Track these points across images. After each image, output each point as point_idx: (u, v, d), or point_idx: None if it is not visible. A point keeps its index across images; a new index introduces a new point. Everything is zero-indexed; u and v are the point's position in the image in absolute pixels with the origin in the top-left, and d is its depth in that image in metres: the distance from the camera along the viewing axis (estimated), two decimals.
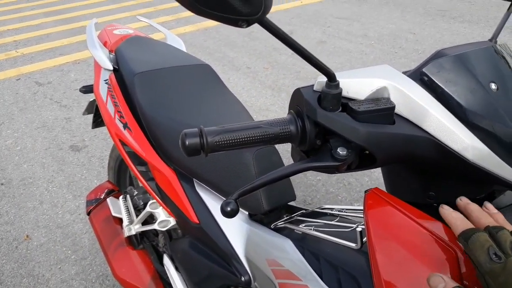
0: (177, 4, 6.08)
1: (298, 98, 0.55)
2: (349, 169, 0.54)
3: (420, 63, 0.57)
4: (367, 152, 0.53)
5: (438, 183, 0.59)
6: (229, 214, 0.50)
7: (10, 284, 1.74)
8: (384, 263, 0.53)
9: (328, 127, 0.51)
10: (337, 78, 0.51)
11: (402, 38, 4.28)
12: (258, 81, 3.49)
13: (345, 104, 0.52)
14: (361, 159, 0.54)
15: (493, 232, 0.47)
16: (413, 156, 0.53)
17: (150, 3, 6.34)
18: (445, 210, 0.53)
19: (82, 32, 5.00)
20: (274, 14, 5.20)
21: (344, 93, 0.52)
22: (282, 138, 0.53)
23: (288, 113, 0.56)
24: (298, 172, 0.52)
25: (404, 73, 0.56)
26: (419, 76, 0.55)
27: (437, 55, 0.56)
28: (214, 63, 3.85)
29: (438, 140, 0.52)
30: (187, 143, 0.50)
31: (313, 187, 2.17)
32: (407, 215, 0.54)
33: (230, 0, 0.40)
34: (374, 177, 2.23)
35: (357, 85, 0.53)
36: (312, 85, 0.54)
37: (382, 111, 0.51)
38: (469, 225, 0.50)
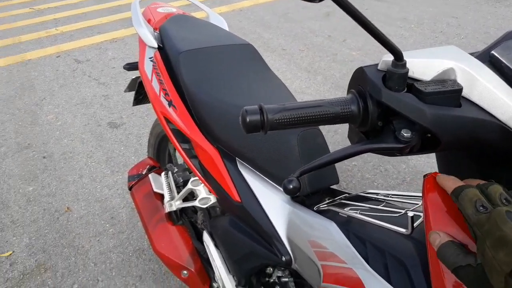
0: None
1: (360, 77, 0.53)
2: (411, 152, 0.53)
3: (488, 45, 0.55)
4: (429, 135, 0.52)
5: (499, 170, 0.57)
6: (292, 191, 0.50)
7: (52, 253, 1.82)
8: None
9: (393, 107, 0.50)
10: (404, 58, 0.49)
11: (443, 22, 4.12)
12: (294, 63, 3.45)
13: (410, 85, 0.51)
14: (423, 142, 0.53)
15: (483, 187, 0.49)
16: (479, 141, 0.51)
17: None
18: (440, 176, 0.55)
19: (119, 11, 5.06)
20: None
21: (410, 74, 0.51)
22: (342, 117, 0.52)
23: (348, 93, 0.55)
24: (359, 153, 0.52)
25: (472, 54, 0.54)
26: (488, 58, 0.53)
27: (508, 36, 0.53)
28: None
29: (507, 126, 0.50)
30: (247, 119, 0.50)
31: (348, 172, 2.15)
32: None
33: None
34: (412, 164, 2.19)
35: (423, 66, 0.51)
36: (376, 64, 0.53)
37: (449, 93, 0.49)
38: (460, 183, 0.52)
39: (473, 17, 4.21)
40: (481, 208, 0.46)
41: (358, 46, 3.64)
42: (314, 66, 3.38)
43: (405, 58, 0.50)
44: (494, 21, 4.06)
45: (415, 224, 0.67)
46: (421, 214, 0.66)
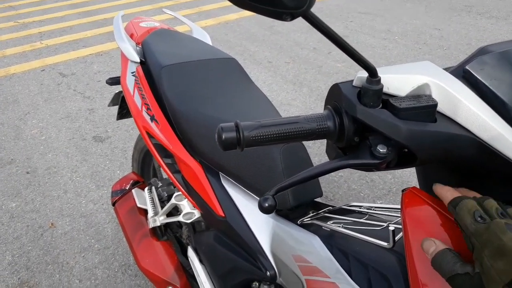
0: None
1: (336, 93, 0.54)
2: (388, 167, 0.53)
3: (462, 60, 0.56)
4: (405, 150, 0.52)
5: (478, 184, 0.57)
6: (267, 210, 0.50)
7: (36, 270, 1.79)
8: (422, 264, 0.52)
9: (368, 123, 0.50)
10: (378, 74, 0.50)
11: (426, 34, 4.20)
12: (280, 76, 3.47)
13: (385, 101, 0.51)
14: (400, 158, 0.53)
15: (479, 200, 0.49)
16: (455, 156, 0.52)
17: None
18: (437, 185, 0.55)
19: (104, 24, 5.06)
20: None
21: (385, 89, 0.51)
22: (319, 134, 0.53)
23: (325, 109, 0.56)
24: (337, 169, 0.52)
25: (446, 69, 0.55)
26: (462, 74, 0.54)
27: (481, 52, 0.54)
28: (235, 57, 3.84)
29: (482, 140, 0.50)
30: (223, 137, 0.50)
31: (335, 183, 2.16)
32: (446, 215, 0.53)
33: None
34: (398, 175, 2.21)
35: (398, 81, 0.52)
36: (351, 81, 0.53)
37: (423, 108, 0.50)
38: (458, 194, 0.52)
39: (455, 29, 4.30)
40: (479, 218, 0.47)
41: (343, 58, 3.68)
42: (300, 78, 3.40)
43: (379, 74, 0.50)
44: (476, 33, 4.14)
45: (396, 238, 0.67)
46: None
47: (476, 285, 0.45)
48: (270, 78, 3.44)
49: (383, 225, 0.73)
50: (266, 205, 0.50)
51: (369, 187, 2.13)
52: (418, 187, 0.63)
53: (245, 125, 0.51)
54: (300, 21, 4.72)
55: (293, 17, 0.42)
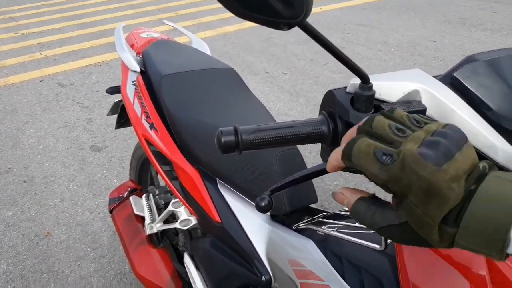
0: (197, 9, 6.16)
1: (330, 99, 0.56)
2: None
3: (450, 67, 0.58)
4: None
5: None
6: (264, 209, 0.51)
7: (31, 279, 1.78)
8: (412, 265, 0.53)
9: None
10: (371, 81, 0.52)
11: (421, 45, 4.25)
12: (277, 86, 3.51)
13: (377, 106, 0.53)
14: None
15: (386, 113, 0.41)
16: None
17: (171, 8, 6.43)
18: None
19: (103, 35, 5.10)
20: None
21: (376, 95, 0.53)
22: (313, 138, 0.54)
23: (319, 114, 0.58)
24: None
25: (435, 77, 0.57)
26: (450, 80, 0.56)
27: (469, 60, 0.57)
28: (234, 68, 3.88)
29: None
30: (222, 140, 0.52)
31: (330, 192, 2.17)
32: None
33: (273, 4, 0.41)
34: None
35: (389, 88, 0.54)
36: (345, 87, 0.55)
37: (413, 113, 0.52)
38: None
39: (450, 40, 4.36)
40: (384, 158, 0.37)
41: (339, 69, 3.72)
42: (297, 89, 3.44)
43: (371, 81, 0.52)
44: (470, 45, 4.20)
45: (388, 241, 0.69)
46: None
47: (407, 232, 0.38)
48: (267, 89, 3.47)
49: None
50: (263, 204, 0.52)
51: None
52: None
53: (243, 129, 0.53)
54: (297, 33, 4.78)
55: (290, 26, 0.44)
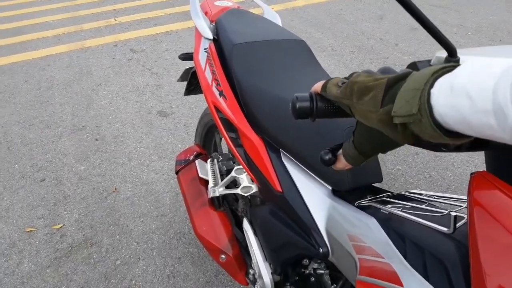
0: None
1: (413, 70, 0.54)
2: (459, 149, 0.53)
3: None
4: None
5: None
6: (327, 162, 0.55)
7: (99, 229, 1.93)
8: (487, 252, 0.50)
9: None
10: (458, 55, 0.50)
11: (503, 30, 3.95)
12: (343, 64, 3.43)
13: None
14: (472, 140, 0.53)
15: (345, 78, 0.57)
16: None
17: None
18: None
19: (175, 4, 5.21)
20: None
21: None
22: None
23: None
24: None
25: None
26: None
27: None
28: None
29: None
30: (297, 106, 0.53)
31: (391, 176, 2.12)
32: None
33: None
34: (458, 172, 2.13)
35: None
36: (429, 60, 0.54)
37: None
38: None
39: None
40: (342, 84, 0.55)
41: (410, 51, 3.56)
42: (364, 68, 3.34)
43: (460, 55, 0.50)
44: None
45: (457, 225, 0.66)
46: (465, 216, 0.65)
47: (360, 129, 0.57)
48: (333, 66, 3.40)
49: (444, 212, 0.72)
50: (327, 158, 0.56)
51: (426, 183, 2.08)
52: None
53: (319, 97, 0.53)
54: (368, 10, 4.60)
55: None
